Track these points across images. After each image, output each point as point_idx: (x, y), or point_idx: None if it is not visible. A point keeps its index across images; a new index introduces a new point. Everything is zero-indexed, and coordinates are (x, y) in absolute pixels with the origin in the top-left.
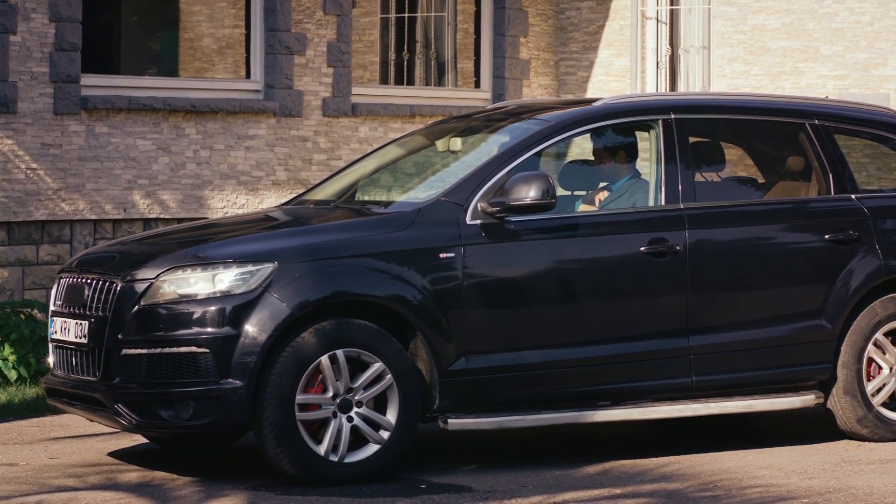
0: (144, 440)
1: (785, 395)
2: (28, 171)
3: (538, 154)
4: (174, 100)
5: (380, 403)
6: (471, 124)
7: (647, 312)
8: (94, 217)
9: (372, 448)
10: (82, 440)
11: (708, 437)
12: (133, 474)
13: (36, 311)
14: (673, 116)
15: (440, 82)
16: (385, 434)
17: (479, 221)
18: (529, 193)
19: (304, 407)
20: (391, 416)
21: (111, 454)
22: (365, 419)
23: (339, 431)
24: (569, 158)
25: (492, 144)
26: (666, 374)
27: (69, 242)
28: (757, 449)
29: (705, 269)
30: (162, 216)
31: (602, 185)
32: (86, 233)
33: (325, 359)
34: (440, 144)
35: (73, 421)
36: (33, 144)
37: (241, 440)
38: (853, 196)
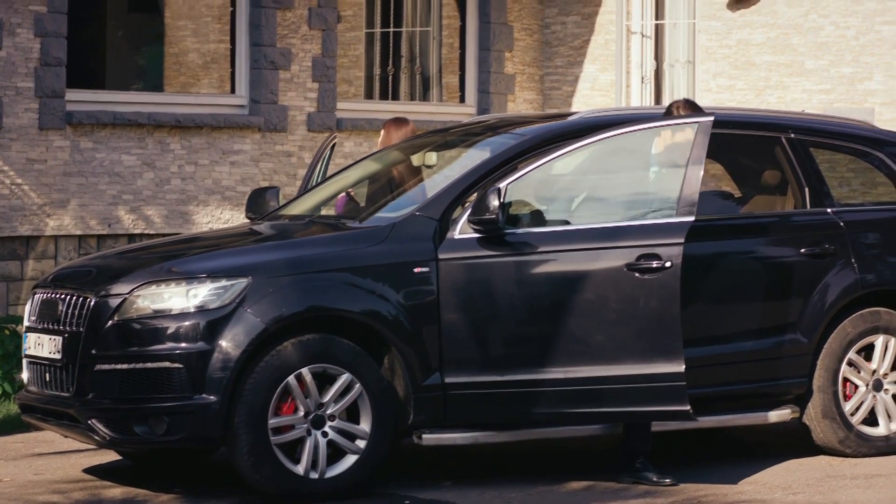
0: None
1: (761, 409)
2: (13, 187)
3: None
4: (159, 115)
5: (353, 414)
6: (447, 138)
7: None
8: (78, 232)
9: (350, 459)
10: (66, 456)
11: (691, 451)
12: (117, 490)
13: (20, 326)
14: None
15: (425, 97)
16: (362, 443)
17: (453, 236)
18: (495, 206)
19: (278, 430)
20: (365, 424)
21: (94, 470)
22: (339, 431)
23: (315, 448)
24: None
25: (468, 159)
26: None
27: (54, 258)
28: (741, 464)
29: (685, 284)
30: (147, 231)
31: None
32: (70, 248)
33: (292, 378)
34: (416, 159)
35: (57, 437)
36: (18, 160)
37: (216, 456)
38: (829, 210)
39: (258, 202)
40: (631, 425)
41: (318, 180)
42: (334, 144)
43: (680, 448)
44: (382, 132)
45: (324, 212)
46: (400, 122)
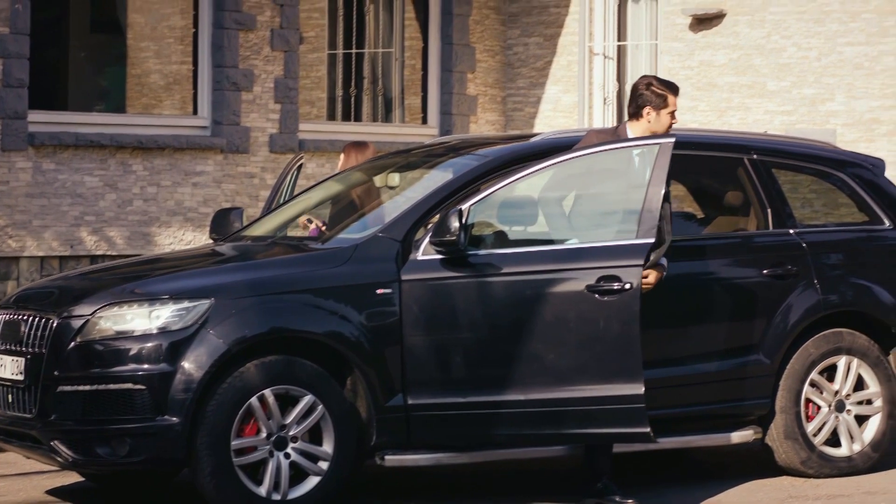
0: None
1: (723, 430)
2: None
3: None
4: (121, 136)
5: (316, 435)
6: (410, 160)
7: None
8: (41, 254)
9: (313, 480)
10: (29, 477)
11: (653, 473)
12: None
13: None
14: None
15: (387, 118)
16: (324, 465)
17: (416, 257)
18: (457, 228)
19: (241, 451)
20: (328, 446)
21: (57, 492)
22: (302, 453)
23: (278, 469)
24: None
25: (430, 180)
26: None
27: (16, 279)
28: (703, 485)
29: (647, 304)
30: (109, 252)
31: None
32: (33, 269)
33: (254, 400)
34: (378, 180)
35: (20, 458)
36: None
37: (178, 477)
38: (792, 231)
39: (222, 223)
40: (592, 447)
41: (284, 200)
42: (301, 165)
43: (642, 469)
44: (343, 156)
45: (287, 233)
46: (360, 145)
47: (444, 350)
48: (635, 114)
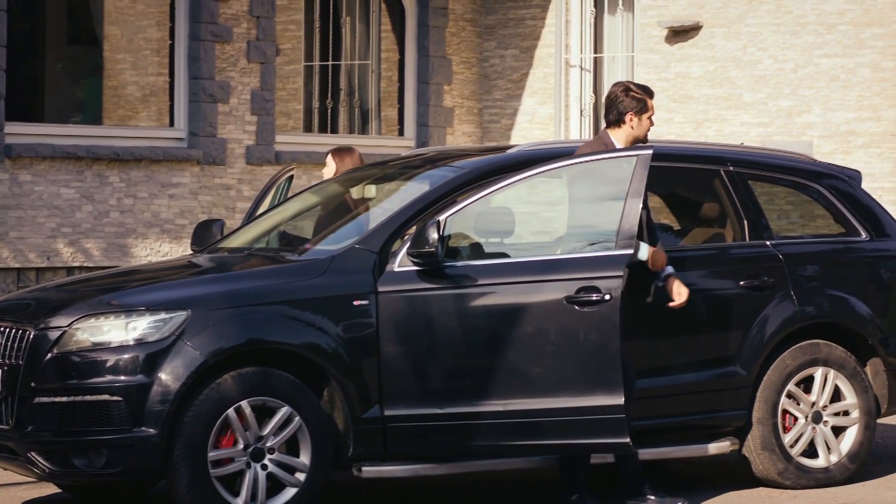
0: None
1: (700, 441)
2: None
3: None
4: (98, 148)
5: (293, 446)
6: (386, 171)
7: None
8: (17, 265)
9: (290, 492)
10: (5, 489)
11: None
12: None
13: None
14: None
15: (364, 130)
16: (301, 476)
17: (393, 268)
18: (434, 239)
19: (218, 463)
20: (304, 457)
21: (34, 503)
22: (279, 464)
23: (255, 481)
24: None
25: (407, 192)
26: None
27: None
28: (682, 497)
29: (634, 316)
30: (85, 264)
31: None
32: (9, 281)
33: (231, 411)
34: (355, 192)
35: None
36: None
37: (155, 489)
38: (768, 242)
39: (204, 235)
40: (568, 459)
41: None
42: (291, 176)
43: (620, 480)
44: (334, 162)
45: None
46: (348, 150)
47: (421, 361)
48: (617, 121)
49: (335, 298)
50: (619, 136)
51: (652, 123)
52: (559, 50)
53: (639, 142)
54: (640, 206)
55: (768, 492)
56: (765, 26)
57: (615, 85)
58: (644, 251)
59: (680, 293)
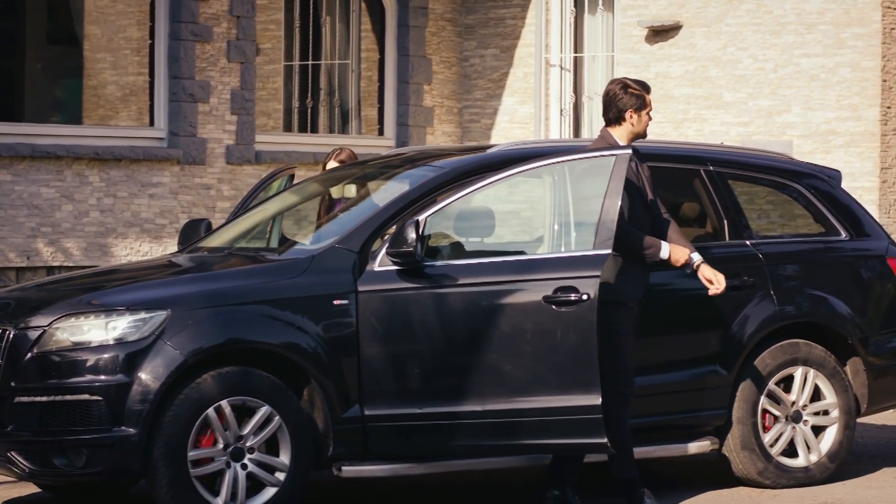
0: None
1: (680, 441)
2: None
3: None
4: (78, 147)
5: (273, 446)
6: (366, 171)
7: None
8: None
9: (270, 491)
10: None
11: (608, 484)
12: None
13: None
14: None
15: (344, 130)
16: (281, 476)
17: (373, 268)
18: (413, 239)
19: (198, 462)
20: (284, 457)
21: (14, 503)
22: (259, 464)
23: (234, 480)
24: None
25: (387, 191)
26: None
27: None
28: (660, 495)
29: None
30: (65, 264)
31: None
32: None
33: (211, 411)
34: (335, 191)
35: None
36: None
37: (136, 488)
38: (748, 242)
39: (191, 234)
40: (558, 457)
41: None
42: (292, 175)
43: (598, 480)
44: (336, 163)
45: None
46: (350, 152)
47: (401, 361)
48: (617, 119)
49: (315, 298)
50: (620, 134)
51: (650, 118)
52: (539, 49)
53: (639, 138)
54: (619, 204)
55: (748, 491)
56: (745, 26)
57: (612, 82)
58: (665, 250)
59: (713, 280)
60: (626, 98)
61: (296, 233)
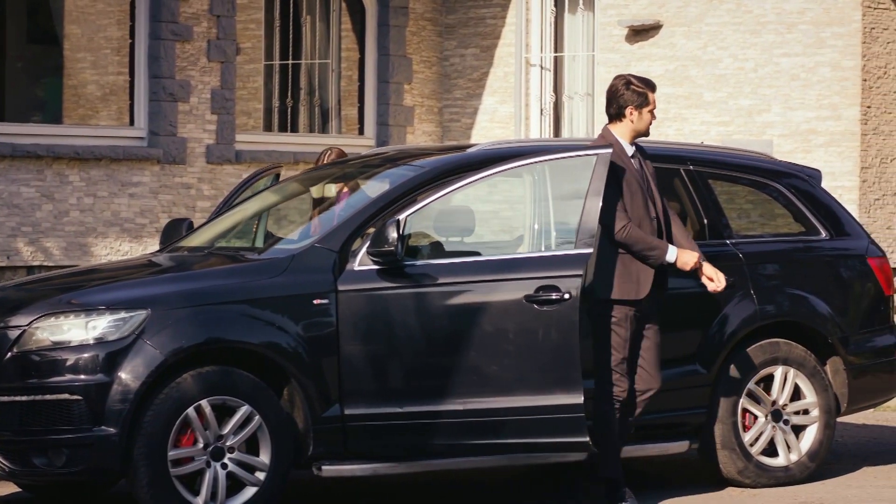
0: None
1: (660, 440)
2: None
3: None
4: (58, 147)
5: (253, 446)
6: (346, 170)
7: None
8: None
9: (250, 491)
10: None
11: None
12: None
13: None
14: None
15: (324, 129)
16: (261, 475)
17: (353, 267)
18: (394, 238)
19: (178, 462)
20: (264, 456)
21: None
22: (239, 463)
23: (214, 480)
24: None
25: (367, 190)
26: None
27: None
28: (640, 494)
29: (585, 315)
30: (45, 263)
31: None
32: None
33: (191, 410)
34: (315, 191)
35: None
36: None
37: (116, 488)
38: (728, 241)
39: (172, 234)
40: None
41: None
42: (278, 175)
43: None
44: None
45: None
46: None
47: (381, 360)
48: (617, 115)
49: (295, 297)
50: (620, 131)
51: (654, 117)
52: (519, 49)
53: (641, 136)
54: (600, 204)
55: (728, 490)
56: (725, 25)
57: (616, 78)
58: (672, 254)
59: (713, 278)
60: (628, 95)
61: (277, 231)
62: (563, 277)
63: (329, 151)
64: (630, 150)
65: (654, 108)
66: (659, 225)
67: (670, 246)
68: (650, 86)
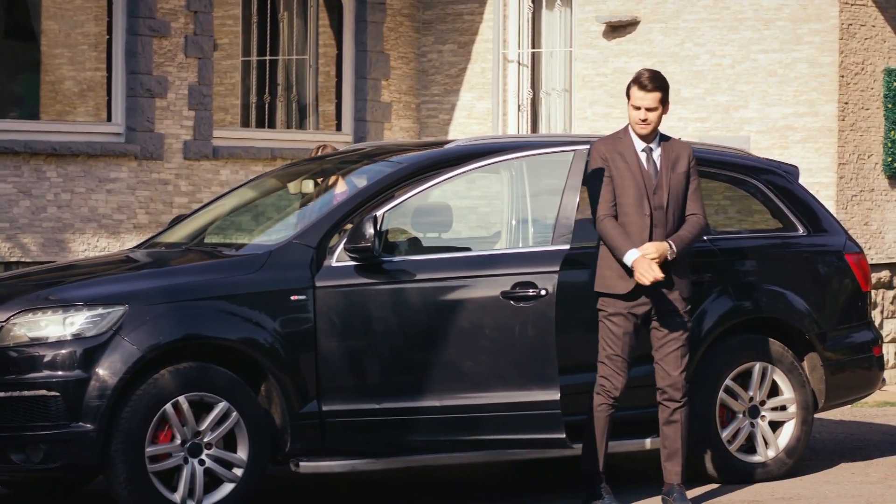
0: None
1: (637, 436)
2: None
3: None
4: (35, 143)
5: (230, 442)
6: (324, 166)
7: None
8: None
9: (227, 487)
10: None
11: (566, 478)
12: None
13: None
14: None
15: (302, 125)
16: (239, 471)
17: (330, 264)
18: (371, 234)
19: (155, 458)
20: (242, 452)
21: None
22: (216, 459)
23: (192, 476)
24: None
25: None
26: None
27: None
28: (617, 490)
29: (560, 311)
30: (23, 259)
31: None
32: None
33: (169, 406)
34: (292, 187)
35: None
36: None
37: (93, 484)
38: (706, 238)
39: None
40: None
41: None
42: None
43: (556, 475)
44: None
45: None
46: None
47: (359, 357)
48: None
49: (273, 293)
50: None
51: (637, 111)
52: (497, 45)
53: (637, 130)
54: (577, 201)
55: (706, 487)
56: (702, 21)
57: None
58: (630, 257)
59: (643, 273)
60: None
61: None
62: (540, 274)
63: (323, 147)
64: (641, 145)
65: (636, 105)
66: (652, 222)
67: (633, 251)
68: (634, 79)
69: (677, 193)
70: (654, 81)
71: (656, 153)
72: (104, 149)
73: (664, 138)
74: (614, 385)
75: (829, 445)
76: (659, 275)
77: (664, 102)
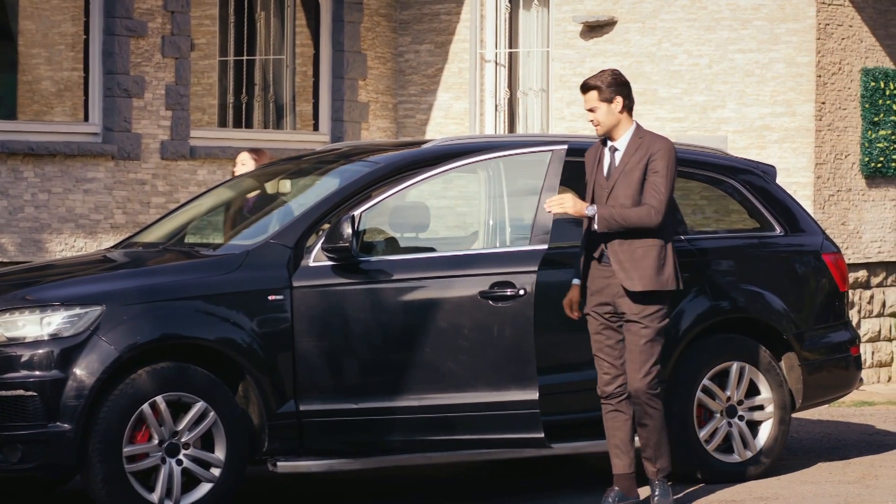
0: None
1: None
2: None
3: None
4: (12, 142)
5: (208, 442)
6: (301, 166)
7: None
8: None
9: (205, 487)
10: None
11: (544, 478)
12: None
13: None
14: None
15: (279, 125)
16: (216, 471)
17: (308, 264)
18: (348, 234)
19: (133, 458)
20: (220, 452)
21: None
22: (194, 459)
23: (170, 476)
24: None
25: (321, 187)
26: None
27: None
28: (594, 491)
29: (539, 311)
30: (0, 260)
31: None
32: None
33: (146, 406)
34: (269, 186)
35: None
36: None
37: (71, 484)
38: (683, 237)
39: None
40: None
41: None
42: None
43: (534, 475)
44: (252, 160)
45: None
46: (263, 151)
47: (336, 356)
48: None
49: (250, 293)
50: None
51: (591, 118)
52: (474, 45)
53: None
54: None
55: (683, 486)
56: (679, 21)
57: None
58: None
59: (551, 203)
60: None
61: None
62: (518, 273)
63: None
64: (609, 145)
65: (587, 107)
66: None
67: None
68: (581, 86)
69: (627, 190)
70: (588, 82)
71: (619, 152)
72: (81, 149)
73: (641, 134)
74: (602, 381)
75: (807, 445)
76: (557, 209)
77: (608, 100)
